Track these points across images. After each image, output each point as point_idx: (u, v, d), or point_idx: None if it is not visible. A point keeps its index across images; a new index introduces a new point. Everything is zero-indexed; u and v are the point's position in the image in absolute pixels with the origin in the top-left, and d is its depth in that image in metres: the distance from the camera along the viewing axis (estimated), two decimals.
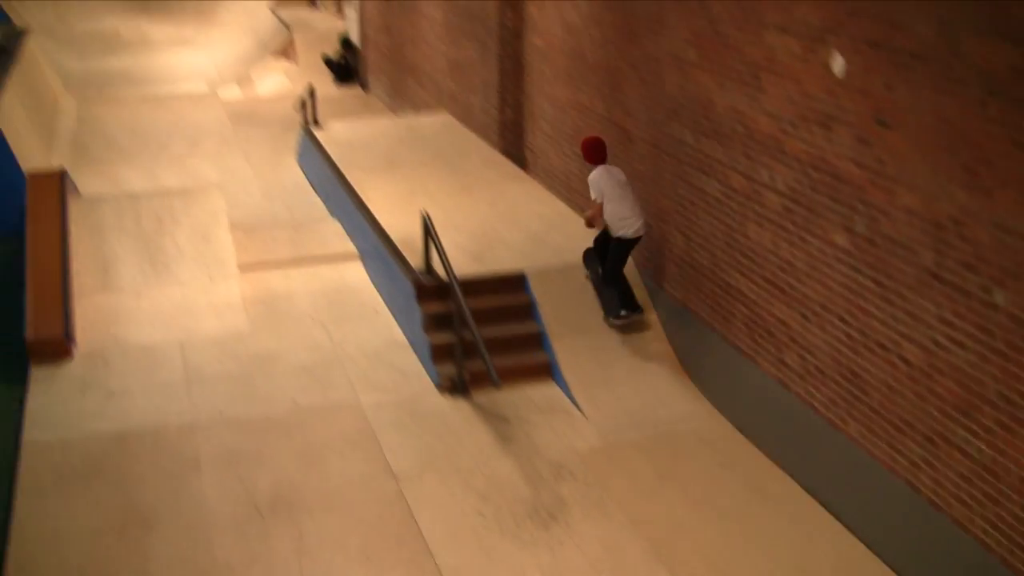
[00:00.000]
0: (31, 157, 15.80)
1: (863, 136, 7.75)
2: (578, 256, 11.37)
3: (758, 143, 9.03)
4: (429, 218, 10.84)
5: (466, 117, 16.35)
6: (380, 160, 14.81)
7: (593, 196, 10.52)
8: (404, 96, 19.86)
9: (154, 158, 17.65)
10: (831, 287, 8.29)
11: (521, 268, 11.14)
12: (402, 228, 12.03)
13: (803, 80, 8.35)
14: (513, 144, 14.91)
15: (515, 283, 11.07)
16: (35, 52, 21.24)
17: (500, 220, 12.48)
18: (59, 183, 13.51)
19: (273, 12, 26.81)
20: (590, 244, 11.20)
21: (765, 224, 9.05)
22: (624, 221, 10.45)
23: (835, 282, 8.24)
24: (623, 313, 10.68)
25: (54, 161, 16.95)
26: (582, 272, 11.19)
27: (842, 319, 8.21)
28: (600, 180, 10.47)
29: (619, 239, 10.53)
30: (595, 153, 10.65)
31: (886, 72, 7.42)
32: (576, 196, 12.72)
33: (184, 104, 21.26)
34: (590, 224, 10.73)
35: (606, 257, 10.72)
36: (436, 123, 16.64)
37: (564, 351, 10.49)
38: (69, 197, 13.32)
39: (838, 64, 7.91)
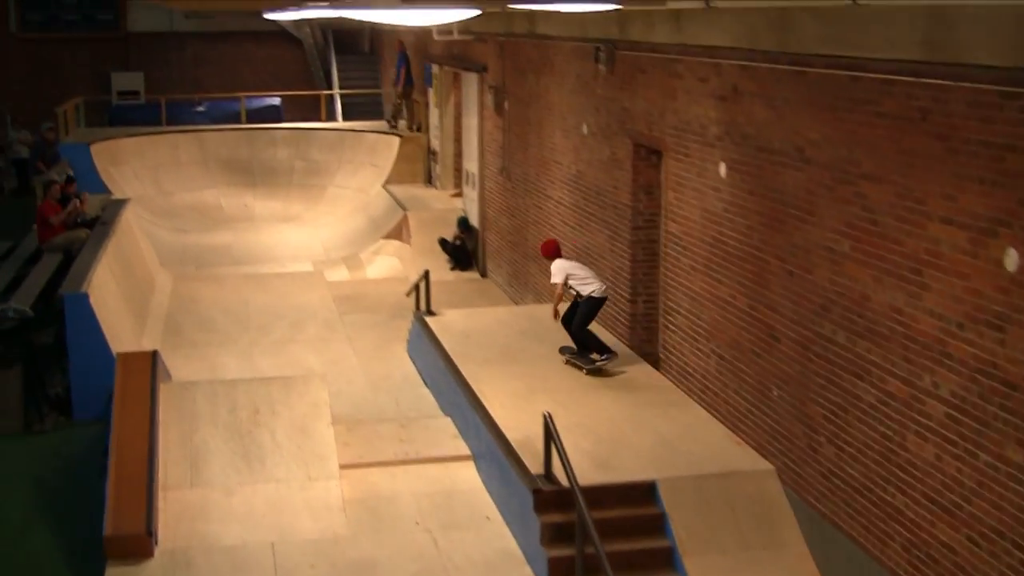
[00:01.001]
0: (121, 336, 16.40)
1: None
2: (715, 465, 11.40)
3: (919, 345, 9.08)
4: (551, 419, 10.97)
5: None
6: (498, 353, 15.09)
7: (555, 281, 14.41)
8: (526, 283, 20.26)
9: (252, 342, 18.20)
10: (1005, 509, 8.20)
11: (651, 477, 11.18)
12: (520, 428, 12.18)
13: (971, 276, 8.44)
14: (645, 340, 15.09)
15: (644, 493, 11.10)
16: (131, 224, 22.20)
17: (629, 423, 12.57)
18: (150, 366, 13.98)
19: (386, 190, 27.65)
20: (728, 448, 11.37)
21: (927, 435, 9.03)
22: (591, 284, 14.23)
23: (1009, 503, 8.15)
24: (604, 357, 14.21)
25: (145, 342, 17.55)
26: (718, 482, 11.19)
27: (1018, 546, 8.10)
28: (563, 267, 14.44)
29: (589, 297, 14.22)
30: (556, 250, 14.79)
31: None
32: (714, 398, 12.80)
33: (287, 284, 21.94)
34: (558, 314, 14.54)
35: (575, 321, 14.41)
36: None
37: (697, 570, 10.43)
38: (159, 381, 13.77)
39: (1011, 259, 7.99)
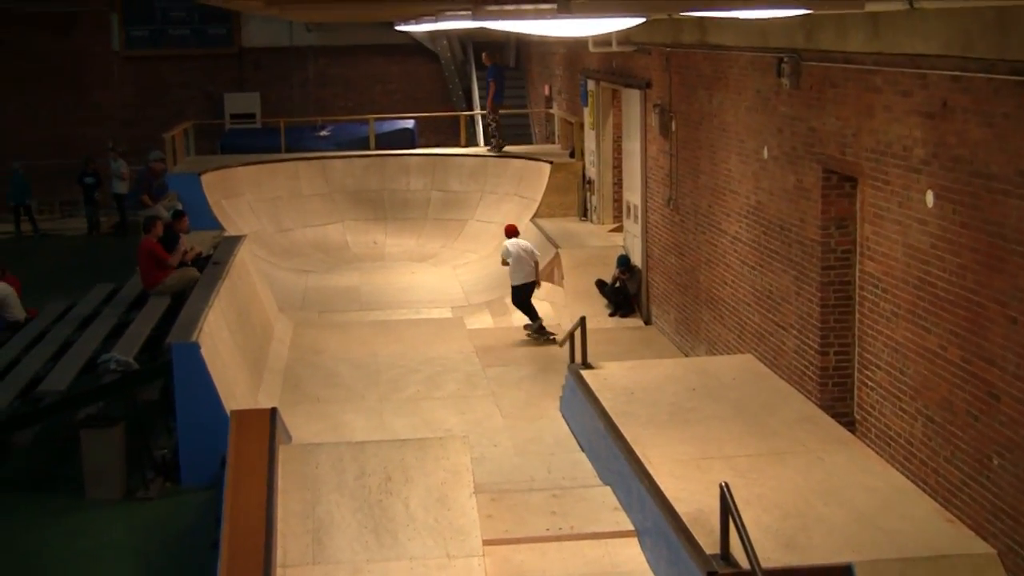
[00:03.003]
0: (236, 392, 16.68)
1: None
2: (923, 546, 11.17)
3: None
4: (728, 489, 10.87)
5: (776, 361, 16.46)
6: (665, 413, 15.03)
7: (502, 257, 22.31)
8: (696, 332, 20.17)
9: (383, 398, 18.40)
10: None
11: (847, 559, 10.99)
12: (692, 500, 12.09)
13: None
14: (837, 398, 14.90)
15: None
16: (247, 264, 22.60)
17: (818, 495, 12.40)
18: (268, 425, 14.18)
19: (535, 224, 27.76)
20: (939, 527, 11.41)
21: None
22: (516, 274, 22.06)
23: None
24: (532, 324, 22.18)
25: (262, 398, 17.84)
26: (927, 566, 10.96)
27: None
28: (507, 246, 22.19)
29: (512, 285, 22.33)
30: (513, 231, 22.78)
31: None
32: (921, 467, 12.57)
33: (422, 333, 22.20)
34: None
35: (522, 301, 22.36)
36: (737, 367, 16.80)
37: None
38: (278, 443, 13.95)
39: None
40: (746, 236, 17.63)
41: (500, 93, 31.78)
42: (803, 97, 15.45)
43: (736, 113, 17.95)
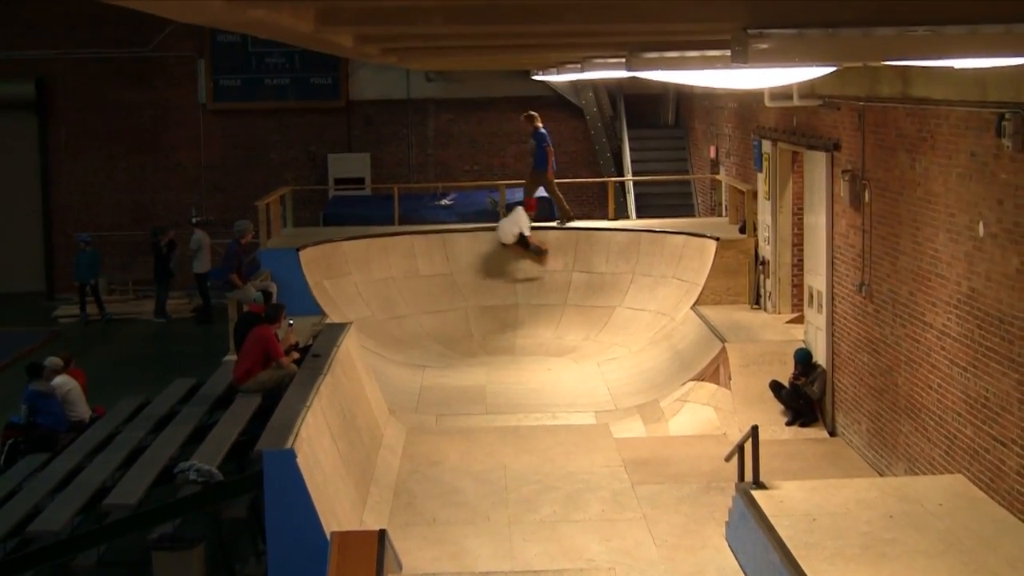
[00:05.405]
0: (337, 509, 16.70)
1: None
2: None
3: None
4: None
5: (993, 484, 16.19)
6: (856, 545, 14.88)
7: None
8: (894, 446, 19.90)
9: (512, 520, 18.35)
10: None
11: None
12: None
13: None
14: None
15: None
16: (353, 357, 22.71)
17: None
18: (375, 550, 14.20)
19: (697, 313, 27.64)
20: None
21: None
22: None
23: None
24: None
25: (368, 517, 17.84)
26: None
27: None
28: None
29: None
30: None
31: None
32: None
33: (560, 442, 22.15)
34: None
35: None
36: (945, 490, 16.57)
37: None
38: (387, 572, 13.94)
39: None
40: (956, 331, 17.38)
41: (542, 157, 32.35)
42: None
43: (945, 181, 17.74)
